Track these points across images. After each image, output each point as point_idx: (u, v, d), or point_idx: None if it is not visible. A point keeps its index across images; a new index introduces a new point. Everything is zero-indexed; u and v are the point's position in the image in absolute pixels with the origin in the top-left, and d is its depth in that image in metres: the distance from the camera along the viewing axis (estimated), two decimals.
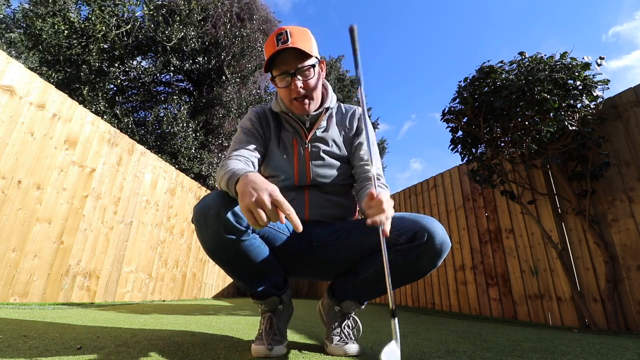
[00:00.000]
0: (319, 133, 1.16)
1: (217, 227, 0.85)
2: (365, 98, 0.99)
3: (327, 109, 1.17)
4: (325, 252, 1.08)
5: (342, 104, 1.27)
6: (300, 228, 0.73)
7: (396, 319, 0.74)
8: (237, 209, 0.87)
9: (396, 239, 0.96)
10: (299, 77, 1.05)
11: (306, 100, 1.09)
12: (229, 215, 0.85)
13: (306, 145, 1.14)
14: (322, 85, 1.18)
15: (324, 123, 1.17)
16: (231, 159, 1.00)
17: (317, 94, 1.13)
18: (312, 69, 1.06)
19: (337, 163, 1.15)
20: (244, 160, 1.03)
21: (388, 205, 0.82)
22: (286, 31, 1.03)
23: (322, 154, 1.14)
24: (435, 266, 0.97)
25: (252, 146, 1.09)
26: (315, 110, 1.14)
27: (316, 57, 1.09)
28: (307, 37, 1.06)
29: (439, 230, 0.94)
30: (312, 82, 1.08)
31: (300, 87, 1.05)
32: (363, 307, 1.14)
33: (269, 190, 0.74)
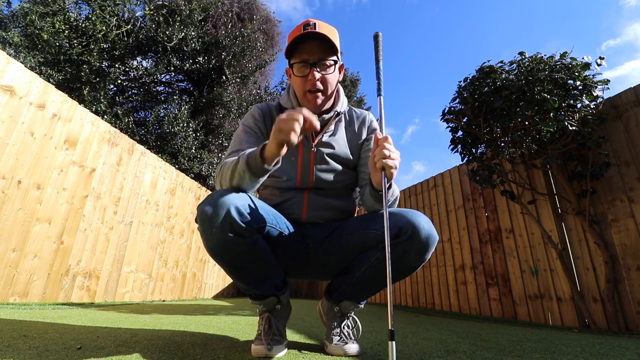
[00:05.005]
0: (326, 137, 1.13)
1: (222, 226, 0.84)
2: (382, 103, 0.98)
3: (338, 113, 1.16)
4: (320, 253, 1.08)
5: (352, 108, 1.24)
6: (317, 125, 0.80)
7: (394, 342, 0.69)
8: (242, 207, 0.86)
9: (382, 236, 0.95)
10: (318, 69, 1.03)
11: (319, 94, 1.07)
12: (235, 214, 0.84)
13: (312, 149, 1.12)
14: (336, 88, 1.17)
15: (332, 127, 1.15)
16: (232, 156, 0.99)
17: (332, 92, 1.11)
18: (333, 65, 1.06)
19: (341, 168, 1.13)
20: None
21: (391, 147, 0.85)
22: (315, 23, 1.02)
23: (327, 158, 1.12)
24: (424, 260, 0.97)
25: (254, 147, 1.06)
26: (326, 114, 1.12)
27: (338, 57, 1.08)
28: (334, 33, 1.05)
29: (424, 224, 0.93)
30: (329, 78, 1.06)
31: (318, 79, 1.03)
32: (362, 305, 1.14)
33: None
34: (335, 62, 1.07)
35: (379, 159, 0.85)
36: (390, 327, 0.70)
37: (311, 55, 1.03)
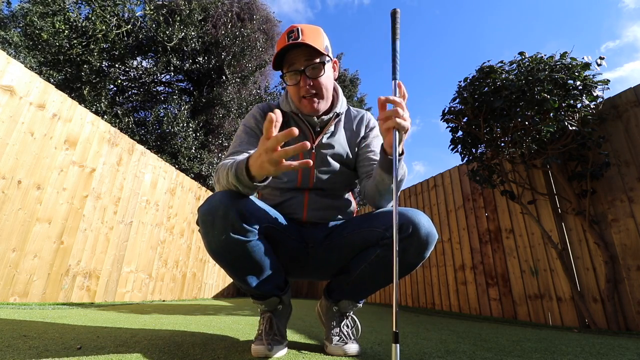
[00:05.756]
0: (326, 138, 1.14)
1: (224, 228, 0.84)
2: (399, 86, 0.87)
3: (337, 114, 1.15)
4: (320, 252, 1.08)
5: (351, 108, 1.24)
6: (296, 132, 0.70)
7: (398, 345, 0.66)
8: (243, 208, 0.86)
9: (383, 234, 0.96)
10: (308, 74, 1.03)
11: (315, 99, 1.06)
12: (236, 215, 0.84)
13: (312, 150, 1.12)
14: (333, 88, 1.16)
15: (332, 128, 1.15)
16: (230, 158, 0.99)
17: (328, 93, 1.10)
18: (322, 67, 1.04)
19: (342, 169, 1.14)
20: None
21: (402, 107, 0.80)
22: (298, 29, 1.02)
23: (327, 159, 1.12)
24: (423, 258, 0.97)
25: (254, 149, 1.06)
26: (326, 115, 1.12)
27: (328, 56, 1.07)
28: (318, 34, 1.04)
29: (424, 222, 0.93)
30: (322, 80, 1.05)
31: (309, 85, 1.03)
32: (360, 305, 1.14)
33: (264, 141, 0.74)
34: (324, 62, 1.05)
35: (391, 115, 0.80)
36: (394, 329, 0.67)
37: (299, 63, 1.02)
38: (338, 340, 1.06)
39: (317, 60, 1.03)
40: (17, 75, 2.44)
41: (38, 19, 5.90)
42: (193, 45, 7.91)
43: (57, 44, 5.99)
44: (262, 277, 0.97)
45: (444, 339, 1.53)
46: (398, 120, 0.80)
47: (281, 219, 1.04)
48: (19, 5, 7.25)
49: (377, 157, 1.09)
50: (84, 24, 6.22)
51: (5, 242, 2.30)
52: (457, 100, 2.79)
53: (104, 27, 6.29)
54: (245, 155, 1.02)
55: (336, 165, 1.13)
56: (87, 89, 6.22)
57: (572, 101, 2.28)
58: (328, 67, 1.07)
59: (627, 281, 2.19)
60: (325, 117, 1.12)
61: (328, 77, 1.08)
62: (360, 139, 1.18)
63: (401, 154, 0.90)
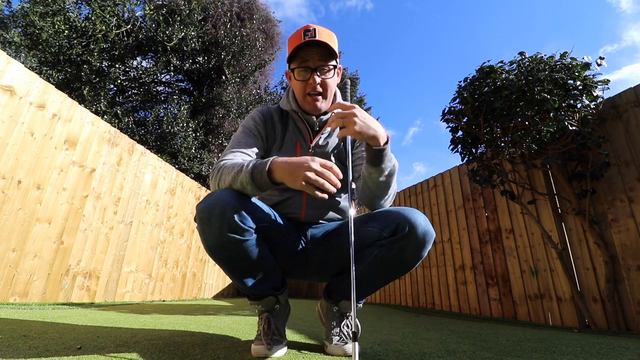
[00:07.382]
0: (323, 138, 1.16)
1: (220, 226, 0.85)
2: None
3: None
4: (318, 253, 1.09)
5: None
6: (334, 190, 0.81)
7: (357, 343, 0.72)
8: (240, 207, 0.87)
9: (379, 234, 0.97)
10: (319, 73, 1.06)
11: (319, 98, 1.10)
12: (233, 213, 0.85)
13: (310, 150, 1.14)
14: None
15: (329, 128, 1.17)
16: (231, 159, 0.99)
17: (331, 96, 1.14)
18: (332, 70, 1.09)
19: (339, 168, 1.15)
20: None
21: (342, 109, 0.90)
22: (314, 29, 1.04)
23: (325, 158, 1.14)
24: (420, 258, 0.98)
25: (252, 149, 1.07)
26: (324, 115, 1.15)
27: (337, 61, 1.11)
28: (332, 38, 1.08)
29: (421, 221, 0.94)
30: (329, 82, 1.09)
31: (318, 83, 1.07)
32: (361, 305, 1.15)
33: (311, 159, 0.83)
34: (335, 66, 1.10)
35: (336, 125, 0.91)
36: (352, 329, 0.73)
37: (312, 60, 1.06)
38: (338, 340, 1.06)
39: (330, 61, 1.07)
40: (17, 75, 2.44)
41: (38, 19, 5.89)
42: (193, 45, 7.90)
43: (57, 44, 5.98)
44: (259, 276, 0.97)
45: (444, 339, 1.53)
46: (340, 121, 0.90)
47: (279, 219, 1.04)
48: (19, 5, 7.24)
49: None
50: (84, 24, 6.22)
51: (5, 242, 2.30)
52: (457, 100, 2.79)
53: (104, 27, 6.28)
54: (248, 156, 1.03)
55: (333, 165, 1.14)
56: (87, 89, 6.21)
57: (572, 101, 2.28)
58: (336, 71, 1.12)
59: (627, 281, 2.19)
60: (323, 118, 1.15)
61: (334, 81, 1.12)
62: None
63: (384, 144, 0.94)
